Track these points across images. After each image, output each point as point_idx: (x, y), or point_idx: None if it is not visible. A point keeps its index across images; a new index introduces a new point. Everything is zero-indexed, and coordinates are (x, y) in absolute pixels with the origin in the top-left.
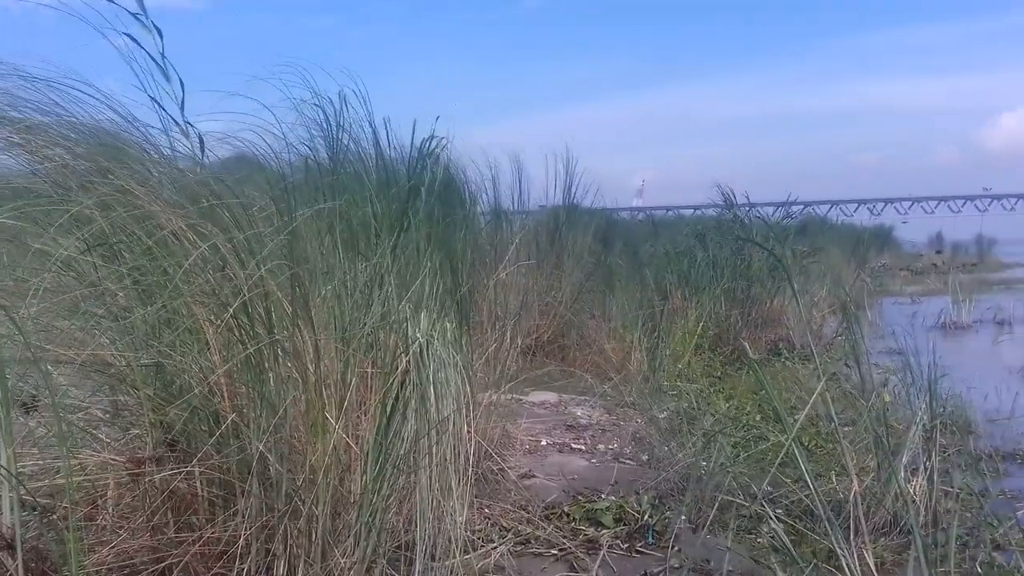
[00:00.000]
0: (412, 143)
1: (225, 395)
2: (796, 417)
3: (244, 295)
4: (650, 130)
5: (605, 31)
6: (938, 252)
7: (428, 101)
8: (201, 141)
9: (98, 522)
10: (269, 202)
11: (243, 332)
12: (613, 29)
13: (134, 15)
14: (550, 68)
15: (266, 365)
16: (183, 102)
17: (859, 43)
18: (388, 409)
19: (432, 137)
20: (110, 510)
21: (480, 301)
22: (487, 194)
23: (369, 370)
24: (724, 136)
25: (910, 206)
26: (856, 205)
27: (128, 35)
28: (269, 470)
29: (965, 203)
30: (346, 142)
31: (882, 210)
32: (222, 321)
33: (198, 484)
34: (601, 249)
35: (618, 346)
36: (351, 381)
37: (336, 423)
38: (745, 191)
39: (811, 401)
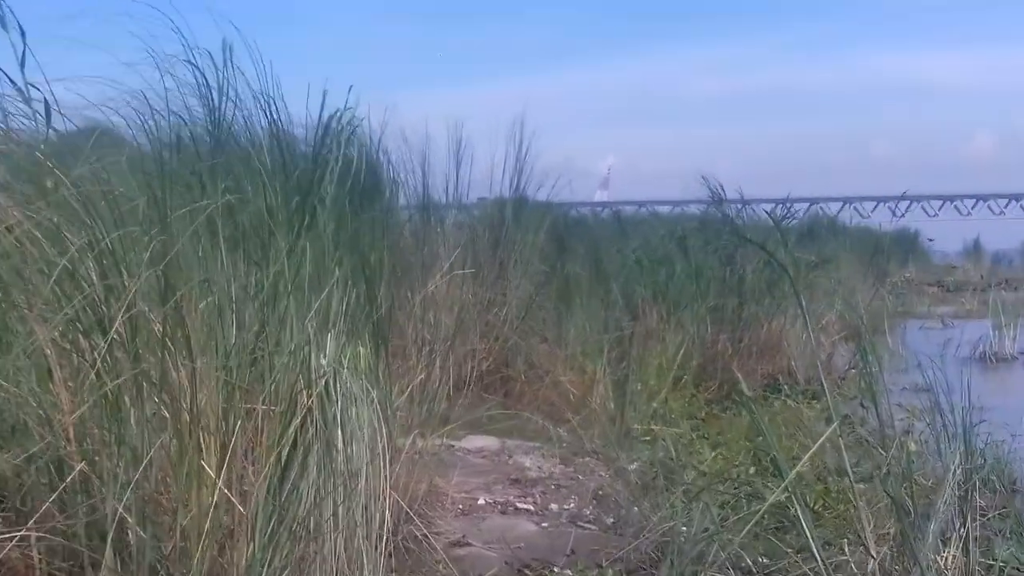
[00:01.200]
0: (320, 118)
1: (72, 438)
2: (800, 470)
3: (106, 315)
4: (618, 106)
5: None
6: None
7: (345, 63)
8: (47, 108)
9: None
10: (133, 188)
11: (97, 357)
12: None
13: None
14: (499, 28)
15: (127, 400)
16: (24, 57)
17: (875, 2)
18: (284, 458)
19: (345, 109)
20: None
21: (403, 320)
22: (414, 181)
23: (260, 408)
24: (709, 116)
25: (941, 206)
26: (875, 204)
27: None
28: (128, 535)
29: (1009, 203)
30: (231, 113)
31: (906, 210)
32: (71, 342)
33: (35, 552)
34: (557, 254)
35: (577, 378)
36: (236, 422)
37: (216, 475)
38: (737, 185)
39: (812, 449)
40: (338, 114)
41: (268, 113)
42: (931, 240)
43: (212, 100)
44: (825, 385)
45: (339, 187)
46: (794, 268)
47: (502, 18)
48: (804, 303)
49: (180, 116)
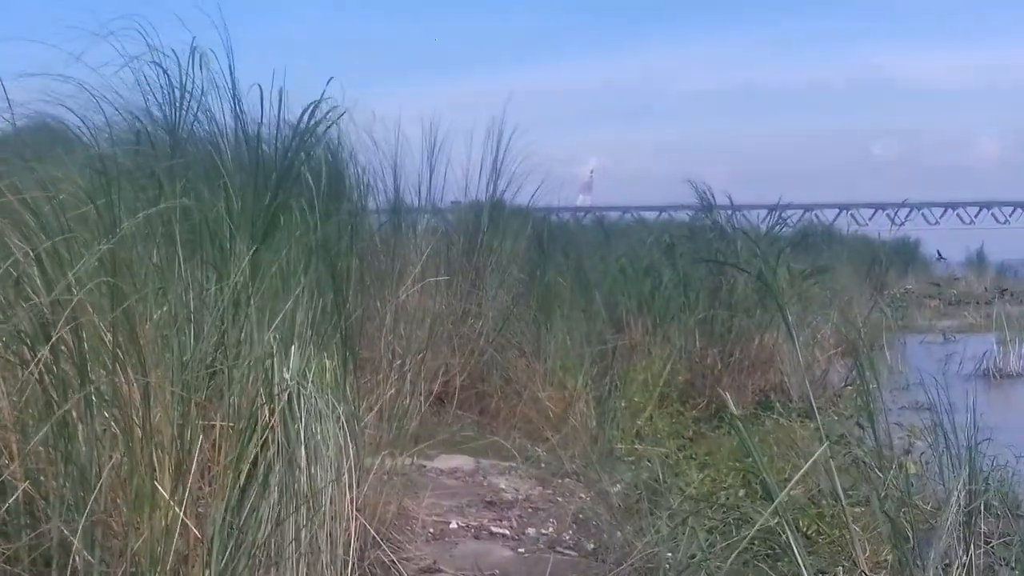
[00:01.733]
0: (279, 115)
1: (15, 455)
2: (792, 493)
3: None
4: (602, 104)
5: None
6: (944, 285)
7: (321, 57)
8: None
9: None
10: (80, 190)
11: (44, 369)
12: None
13: None
14: (473, 24)
15: (75, 415)
16: None
17: None
18: (243, 478)
19: (321, 100)
20: None
21: (373, 331)
22: (384, 182)
23: (218, 424)
24: (696, 115)
25: (942, 213)
26: (873, 211)
27: None
28: (75, 560)
29: (1015, 211)
30: (194, 112)
31: (906, 218)
32: (14, 353)
33: None
34: (536, 262)
35: (557, 394)
36: (192, 439)
37: (170, 496)
38: (726, 190)
39: (803, 470)
40: (309, 111)
41: (234, 110)
42: (943, 258)
43: (172, 95)
44: (814, 403)
45: (307, 189)
46: (787, 278)
47: (477, 13)
48: (792, 318)
49: (136, 114)
